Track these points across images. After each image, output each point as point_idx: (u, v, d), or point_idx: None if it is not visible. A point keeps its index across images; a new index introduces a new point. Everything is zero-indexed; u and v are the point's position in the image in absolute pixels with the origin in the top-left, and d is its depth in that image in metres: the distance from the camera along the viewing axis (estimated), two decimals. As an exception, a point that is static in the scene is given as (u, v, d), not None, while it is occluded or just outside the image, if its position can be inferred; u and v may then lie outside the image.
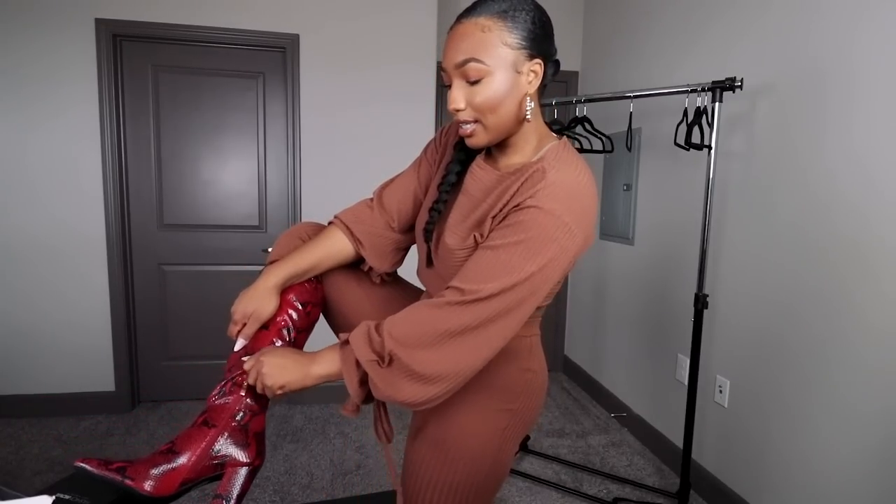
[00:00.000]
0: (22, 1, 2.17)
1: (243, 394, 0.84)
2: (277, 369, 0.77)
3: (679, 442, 2.06)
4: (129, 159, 2.42)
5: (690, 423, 1.74)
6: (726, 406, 1.83)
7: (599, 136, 2.13)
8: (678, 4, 2.14)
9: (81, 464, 0.76)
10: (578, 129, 2.16)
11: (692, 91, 1.69)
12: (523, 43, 0.74)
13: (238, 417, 0.83)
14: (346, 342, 0.76)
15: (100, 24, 2.24)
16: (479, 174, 0.84)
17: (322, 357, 0.78)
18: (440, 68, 0.79)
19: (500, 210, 0.77)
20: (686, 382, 2.04)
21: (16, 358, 2.35)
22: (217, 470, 0.81)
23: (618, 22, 2.65)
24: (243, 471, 0.82)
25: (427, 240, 0.89)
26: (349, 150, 2.52)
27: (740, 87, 1.58)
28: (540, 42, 0.76)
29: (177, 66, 2.40)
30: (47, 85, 2.24)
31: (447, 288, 0.74)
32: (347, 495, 1.86)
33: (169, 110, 2.42)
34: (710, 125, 1.65)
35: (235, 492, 0.80)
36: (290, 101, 2.44)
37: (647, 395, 2.34)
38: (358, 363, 0.73)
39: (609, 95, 1.90)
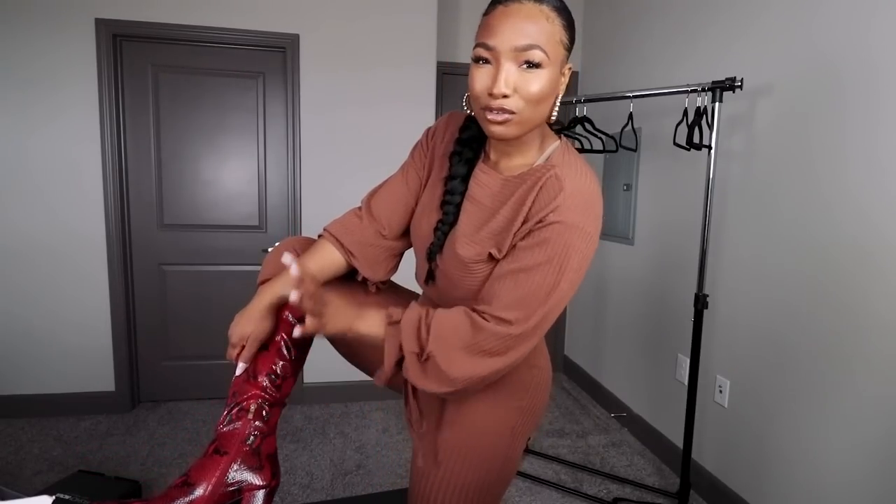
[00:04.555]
0: (22, 1, 2.17)
1: (251, 417, 0.84)
2: (333, 311, 0.74)
3: (679, 442, 2.06)
4: (129, 159, 2.42)
5: (690, 423, 1.74)
6: (726, 406, 1.83)
7: (600, 136, 2.13)
8: (678, 4, 2.14)
9: None
10: (578, 129, 2.16)
11: (692, 91, 1.69)
12: (569, 44, 0.74)
13: (249, 442, 0.83)
14: (397, 322, 0.76)
15: (100, 24, 2.24)
16: (483, 179, 0.82)
17: (370, 319, 0.77)
18: (481, 45, 0.72)
19: (522, 224, 0.75)
20: (686, 382, 2.04)
21: (16, 358, 2.35)
22: (235, 496, 0.81)
23: (618, 22, 2.65)
24: (261, 494, 0.82)
25: (430, 259, 0.87)
26: (349, 150, 2.52)
27: (740, 87, 1.58)
28: (573, 45, 0.76)
29: (177, 66, 2.40)
30: (47, 85, 2.24)
31: (486, 314, 0.73)
32: (347, 495, 1.86)
33: (169, 110, 2.42)
34: (710, 125, 1.65)
35: None
36: (290, 101, 2.44)
37: (647, 395, 2.34)
38: (400, 346, 0.75)
39: (609, 95, 1.90)
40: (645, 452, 2.25)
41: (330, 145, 2.50)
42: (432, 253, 0.86)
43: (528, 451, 2.19)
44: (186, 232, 2.51)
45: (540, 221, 0.73)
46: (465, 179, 0.85)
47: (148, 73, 2.38)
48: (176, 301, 2.53)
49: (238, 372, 0.89)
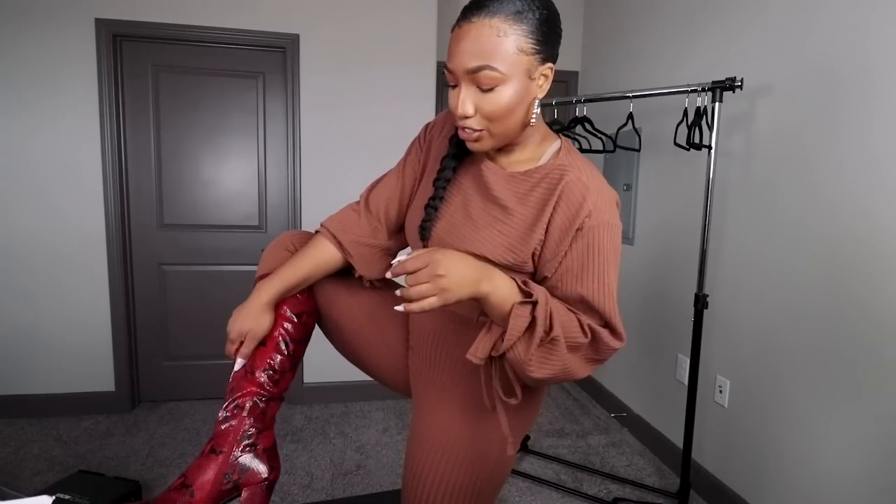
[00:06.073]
0: (22, 2, 2.17)
1: (245, 415, 0.85)
2: (455, 281, 0.66)
3: (679, 442, 2.06)
4: (129, 159, 2.42)
5: (690, 423, 1.74)
6: (726, 406, 1.83)
7: (600, 136, 2.13)
8: (678, 4, 2.14)
9: None
10: (578, 128, 2.16)
11: (692, 91, 1.69)
12: (537, 48, 0.71)
13: (244, 439, 0.84)
14: (530, 293, 0.70)
15: (100, 24, 2.24)
16: (489, 175, 0.82)
17: (496, 280, 0.69)
18: (445, 68, 0.74)
19: (547, 230, 0.76)
20: (686, 382, 2.04)
21: (16, 358, 2.35)
22: (234, 492, 0.83)
23: (618, 22, 2.65)
24: (259, 488, 0.83)
25: (424, 237, 0.86)
26: (349, 149, 2.52)
27: (740, 87, 1.58)
28: (552, 44, 0.74)
29: (177, 66, 2.40)
30: (48, 86, 2.24)
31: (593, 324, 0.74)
32: (347, 495, 1.86)
33: (169, 110, 2.42)
34: (710, 125, 1.65)
35: None
36: (290, 101, 2.44)
37: (647, 395, 2.34)
38: (531, 320, 0.69)
39: (609, 95, 1.90)
40: (645, 452, 2.25)
41: (330, 145, 2.50)
42: (425, 230, 0.85)
43: (528, 451, 2.19)
44: (186, 232, 2.51)
45: (580, 228, 0.74)
46: (457, 157, 0.85)
47: (148, 73, 2.38)
48: (176, 301, 2.53)
49: (236, 367, 0.90)
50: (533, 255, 0.78)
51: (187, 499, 0.78)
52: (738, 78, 1.57)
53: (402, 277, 0.67)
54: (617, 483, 1.99)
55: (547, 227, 0.77)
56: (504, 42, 0.68)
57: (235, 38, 2.36)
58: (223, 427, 0.84)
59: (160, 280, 2.51)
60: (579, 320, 0.74)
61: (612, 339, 0.75)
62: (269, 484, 0.85)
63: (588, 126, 2.10)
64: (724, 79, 1.60)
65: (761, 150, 1.69)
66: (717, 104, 1.63)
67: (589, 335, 0.73)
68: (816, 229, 1.49)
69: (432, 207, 0.85)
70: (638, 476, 2.05)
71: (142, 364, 2.54)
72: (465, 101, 0.72)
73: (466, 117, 0.73)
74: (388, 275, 0.72)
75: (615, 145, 2.10)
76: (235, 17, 2.35)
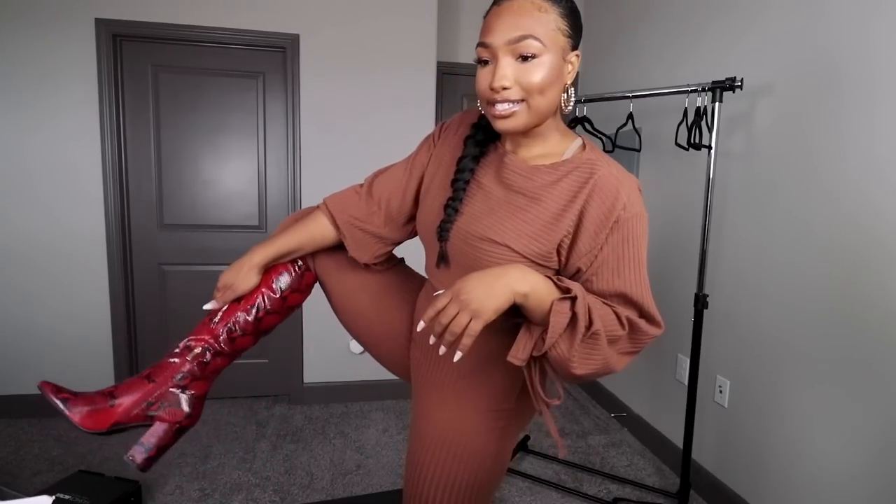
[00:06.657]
0: (22, 1, 2.18)
1: (190, 359, 0.90)
2: (481, 297, 0.67)
3: (679, 442, 2.06)
4: (129, 159, 2.42)
5: (690, 423, 1.74)
6: (726, 406, 1.83)
7: (599, 136, 2.13)
8: (678, 4, 2.14)
9: (43, 385, 0.84)
10: (578, 129, 2.16)
11: (692, 91, 1.69)
12: (570, 31, 0.75)
13: (177, 379, 0.89)
14: (568, 289, 0.70)
15: (100, 24, 2.24)
16: (511, 166, 0.82)
17: (530, 278, 0.69)
18: (479, 45, 0.75)
19: (579, 223, 0.76)
20: (686, 382, 2.04)
21: (16, 357, 2.35)
22: (148, 420, 0.88)
23: (618, 22, 2.65)
24: (168, 427, 0.88)
25: (442, 238, 0.85)
26: (349, 150, 2.52)
27: (740, 87, 1.58)
28: (579, 33, 0.77)
29: (177, 66, 2.40)
30: (47, 85, 2.24)
31: (624, 314, 0.75)
32: (347, 495, 1.86)
33: (169, 110, 2.42)
34: (710, 126, 1.65)
35: (155, 443, 0.88)
36: (290, 101, 2.44)
37: (647, 395, 2.34)
38: (572, 315, 0.69)
39: (609, 95, 1.90)
40: (645, 452, 2.25)
41: (330, 145, 2.50)
42: (443, 231, 0.84)
43: (528, 451, 2.19)
44: (186, 232, 2.51)
45: (616, 221, 0.76)
46: (476, 159, 0.86)
47: (148, 73, 2.38)
48: (176, 301, 2.53)
49: (206, 306, 0.96)
50: (559, 247, 0.78)
51: (107, 405, 0.85)
52: (738, 78, 1.57)
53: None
54: (617, 483, 1.99)
55: (579, 220, 0.76)
56: (545, 17, 0.71)
57: (235, 38, 2.36)
58: (167, 360, 0.90)
59: (160, 280, 2.51)
60: (616, 312, 0.75)
61: (650, 328, 0.76)
62: (181, 428, 0.90)
63: (588, 126, 2.10)
64: (724, 79, 1.61)
65: (761, 150, 1.69)
66: (717, 104, 1.63)
67: (626, 327, 0.74)
68: (817, 229, 1.49)
69: (453, 208, 0.84)
70: (638, 476, 2.05)
71: (142, 364, 2.54)
72: (507, 72, 0.72)
73: (504, 88, 0.73)
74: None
75: (615, 145, 2.10)
76: (235, 17, 2.35)
